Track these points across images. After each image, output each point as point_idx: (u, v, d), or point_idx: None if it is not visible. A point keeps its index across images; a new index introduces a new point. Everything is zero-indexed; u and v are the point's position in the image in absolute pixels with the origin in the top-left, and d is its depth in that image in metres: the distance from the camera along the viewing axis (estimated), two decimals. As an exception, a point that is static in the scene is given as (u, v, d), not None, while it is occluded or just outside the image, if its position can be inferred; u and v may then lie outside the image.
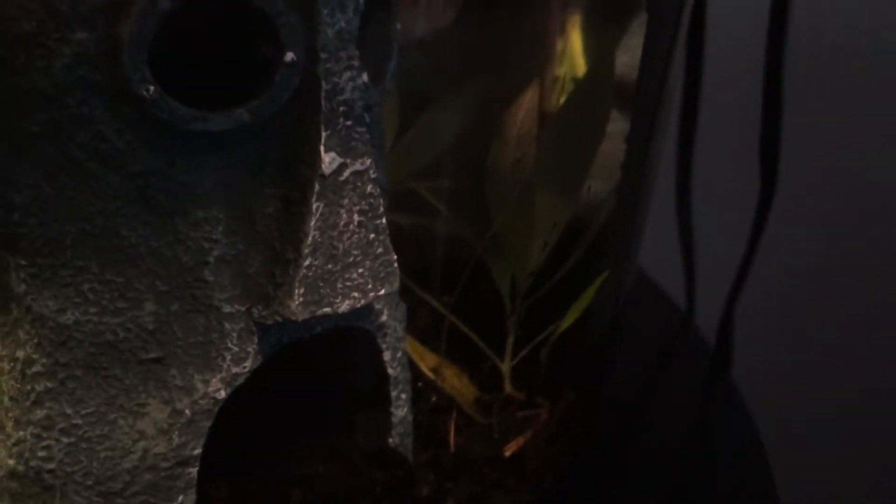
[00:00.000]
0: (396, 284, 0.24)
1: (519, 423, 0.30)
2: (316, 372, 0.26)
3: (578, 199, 0.30)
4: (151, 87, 0.20)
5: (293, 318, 0.23)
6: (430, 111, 0.30)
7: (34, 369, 0.22)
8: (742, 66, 0.45)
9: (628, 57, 0.30)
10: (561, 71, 0.32)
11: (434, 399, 0.31)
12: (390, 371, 0.27)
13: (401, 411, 0.28)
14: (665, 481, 0.34)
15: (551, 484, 0.29)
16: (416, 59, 0.31)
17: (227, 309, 0.23)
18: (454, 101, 0.30)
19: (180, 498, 0.24)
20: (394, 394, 0.27)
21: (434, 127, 0.30)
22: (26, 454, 0.23)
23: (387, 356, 0.27)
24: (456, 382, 0.31)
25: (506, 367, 0.32)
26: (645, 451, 0.35)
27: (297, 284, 0.22)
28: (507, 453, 0.29)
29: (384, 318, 0.26)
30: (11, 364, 0.22)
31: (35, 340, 0.22)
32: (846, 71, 0.69)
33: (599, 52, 0.30)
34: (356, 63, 0.22)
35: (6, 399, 0.23)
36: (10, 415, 0.23)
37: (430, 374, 0.31)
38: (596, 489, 0.31)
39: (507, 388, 0.32)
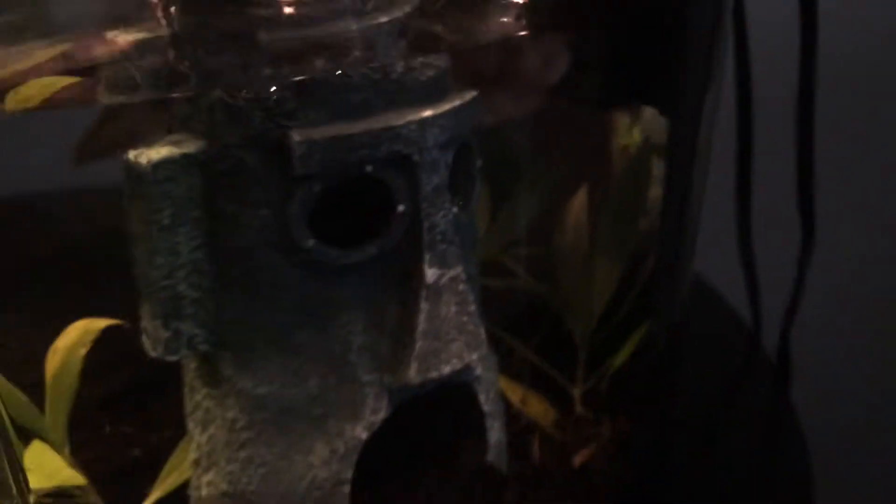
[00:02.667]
0: (484, 351, 0.33)
1: (587, 439, 0.39)
2: (433, 415, 0.36)
3: (625, 263, 0.39)
4: (311, 241, 0.29)
5: (411, 383, 0.32)
6: (512, 200, 0.39)
7: (239, 425, 0.32)
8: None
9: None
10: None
11: (522, 422, 0.40)
12: (485, 408, 0.36)
13: (494, 436, 0.37)
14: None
15: (617, 492, 0.38)
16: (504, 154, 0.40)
17: (366, 379, 0.32)
18: (530, 193, 0.39)
19: (338, 506, 0.33)
20: (489, 424, 0.37)
21: (516, 214, 0.39)
22: (234, 481, 0.33)
23: (482, 398, 0.36)
24: (538, 408, 0.40)
25: (577, 393, 0.41)
26: (707, 467, 0.43)
27: (412, 360, 0.32)
28: (577, 463, 0.38)
29: (478, 372, 0.35)
30: (223, 421, 0.32)
31: (239, 406, 0.32)
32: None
33: (641, 141, 0.38)
34: (447, 204, 0.31)
35: (220, 444, 0.33)
36: (223, 454, 0.33)
37: (518, 404, 0.40)
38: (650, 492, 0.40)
39: (578, 409, 0.40)
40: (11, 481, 0.26)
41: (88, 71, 0.25)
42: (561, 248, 0.38)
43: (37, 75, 0.25)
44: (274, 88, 0.26)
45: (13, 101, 0.24)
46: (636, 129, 0.40)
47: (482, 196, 0.38)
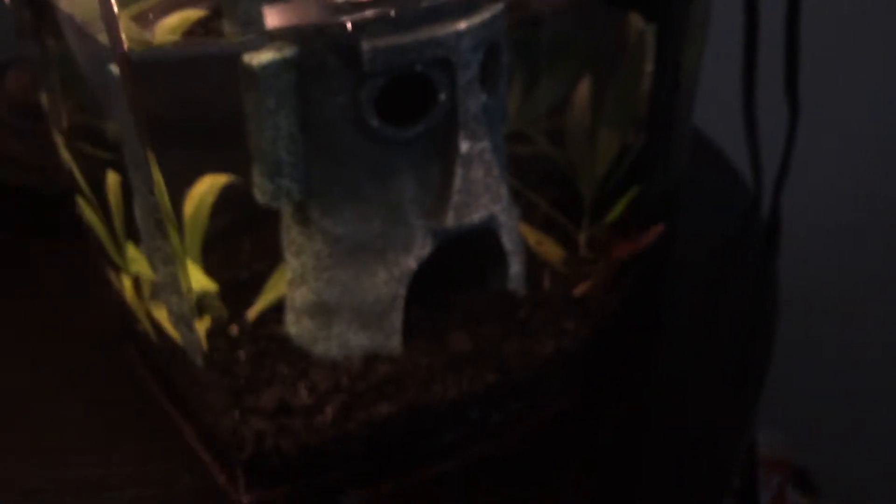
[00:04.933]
0: (504, 205, 0.44)
1: (587, 275, 0.50)
2: (468, 253, 0.47)
3: (623, 135, 0.48)
4: (376, 121, 0.40)
5: (449, 226, 0.43)
6: (537, 84, 0.49)
7: (323, 254, 0.44)
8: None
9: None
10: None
11: (538, 259, 0.51)
12: (507, 247, 0.47)
13: (514, 269, 0.48)
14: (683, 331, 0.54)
15: (606, 318, 0.49)
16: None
17: (415, 222, 0.43)
18: (554, 76, 0.49)
19: (394, 315, 0.45)
20: (509, 260, 0.48)
21: (540, 94, 0.49)
22: (320, 293, 0.45)
23: (504, 240, 0.47)
24: (551, 249, 0.51)
25: (582, 238, 0.51)
26: (692, 310, 0.55)
27: (450, 209, 0.43)
28: (578, 293, 0.49)
29: (501, 220, 0.46)
30: (311, 252, 0.44)
31: (323, 241, 0.43)
32: None
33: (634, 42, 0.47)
34: (477, 91, 0.41)
35: (309, 268, 0.45)
36: (312, 275, 0.45)
37: (535, 245, 0.51)
38: (640, 322, 0.52)
39: (582, 251, 0.51)
40: (183, 283, 0.38)
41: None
42: (571, 122, 0.48)
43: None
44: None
45: (161, 32, 0.34)
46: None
47: (515, 80, 0.48)
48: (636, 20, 0.48)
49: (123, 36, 0.32)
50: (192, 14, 0.36)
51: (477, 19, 0.40)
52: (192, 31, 0.37)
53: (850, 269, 0.89)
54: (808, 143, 0.64)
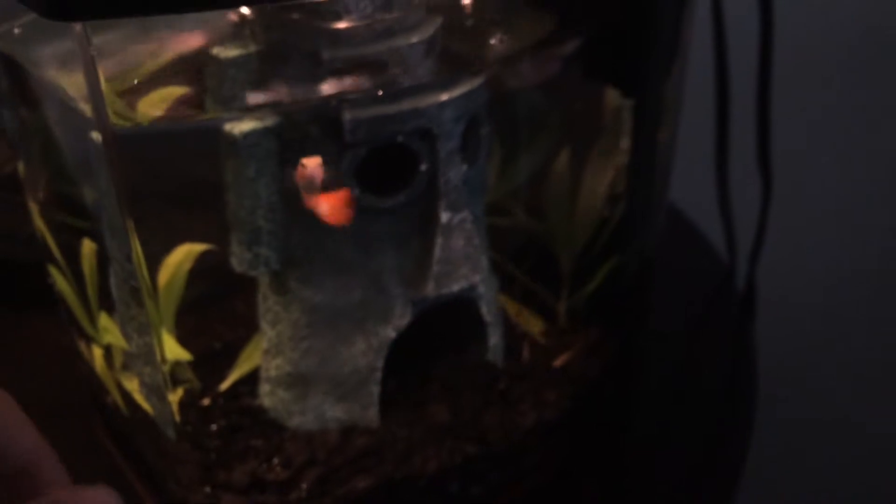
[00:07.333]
0: (484, 275, 0.44)
1: (567, 346, 0.50)
2: (446, 323, 0.46)
3: (602, 207, 0.49)
4: (357, 190, 0.40)
5: (429, 295, 0.43)
6: (516, 156, 0.49)
7: (301, 323, 0.43)
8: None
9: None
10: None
11: (517, 330, 0.51)
12: (486, 318, 0.47)
13: (493, 340, 0.48)
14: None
15: (587, 388, 0.48)
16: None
17: (395, 291, 0.43)
18: (531, 149, 0.49)
19: (372, 387, 0.44)
20: (489, 331, 0.47)
21: (518, 167, 0.49)
22: (296, 364, 0.44)
23: (483, 311, 0.46)
24: (530, 320, 0.51)
25: (561, 309, 0.51)
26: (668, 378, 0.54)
27: (430, 279, 0.42)
28: (557, 364, 0.49)
29: (481, 290, 0.45)
30: (288, 321, 0.43)
31: (301, 310, 0.43)
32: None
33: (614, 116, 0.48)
34: (459, 163, 0.41)
35: (286, 338, 0.44)
36: (288, 345, 0.44)
37: (514, 316, 0.51)
38: (618, 392, 0.51)
39: (562, 322, 0.51)
40: (157, 353, 0.37)
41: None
42: (550, 194, 0.48)
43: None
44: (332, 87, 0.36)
45: (144, 109, 0.34)
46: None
47: (495, 152, 0.49)
48: (614, 95, 0.49)
49: (109, 110, 0.31)
50: (175, 91, 0.36)
51: (458, 91, 0.40)
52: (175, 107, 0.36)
53: (826, 342, 0.90)
54: (783, 216, 0.65)
